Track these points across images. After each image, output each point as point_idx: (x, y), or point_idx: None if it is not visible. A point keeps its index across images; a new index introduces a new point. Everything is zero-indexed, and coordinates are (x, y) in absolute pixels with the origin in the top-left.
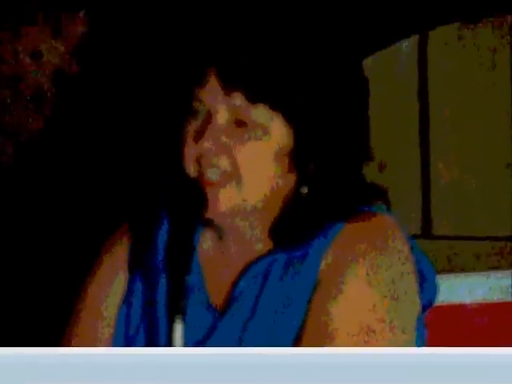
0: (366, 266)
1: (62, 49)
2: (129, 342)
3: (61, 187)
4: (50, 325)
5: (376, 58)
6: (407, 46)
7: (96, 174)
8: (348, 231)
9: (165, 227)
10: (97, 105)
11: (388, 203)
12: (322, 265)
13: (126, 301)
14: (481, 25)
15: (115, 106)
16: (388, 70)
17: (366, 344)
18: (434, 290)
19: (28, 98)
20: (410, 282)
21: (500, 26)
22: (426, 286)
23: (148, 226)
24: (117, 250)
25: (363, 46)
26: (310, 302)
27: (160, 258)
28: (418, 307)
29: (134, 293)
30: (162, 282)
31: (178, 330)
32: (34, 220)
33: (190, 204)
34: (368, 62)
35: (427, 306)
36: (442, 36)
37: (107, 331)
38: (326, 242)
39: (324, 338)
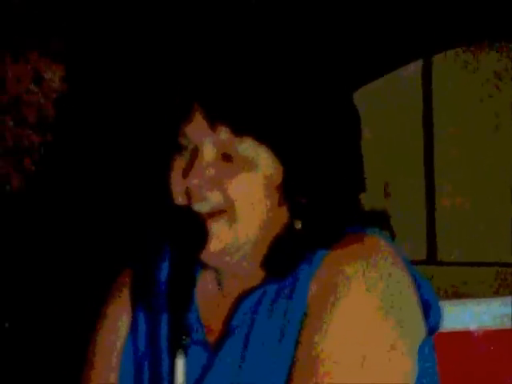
0: (354, 290)
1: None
2: (135, 377)
3: (62, 222)
4: (63, 374)
5: (380, 83)
6: (412, 70)
7: (96, 207)
8: (334, 255)
9: (166, 263)
10: (88, 143)
11: (391, 229)
12: (310, 294)
13: (131, 337)
14: (485, 49)
15: (106, 142)
16: (392, 95)
17: (364, 373)
18: (438, 315)
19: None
20: (408, 302)
21: (504, 50)
22: (430, 311)
23: (149, 261)
24: (121, 294)
25: (358, 74)
26: (299, 334)
27: (162, 293)
28: (419, 328)
29: (139, 329)
30: (164, 317)
31: (180, 365)
32: (36, 256)
33: (190, 240)
34: (372, 87)
35: (433, 330)
36: (446, 60)
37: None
38: (312, 269)
39: (317, 375)
